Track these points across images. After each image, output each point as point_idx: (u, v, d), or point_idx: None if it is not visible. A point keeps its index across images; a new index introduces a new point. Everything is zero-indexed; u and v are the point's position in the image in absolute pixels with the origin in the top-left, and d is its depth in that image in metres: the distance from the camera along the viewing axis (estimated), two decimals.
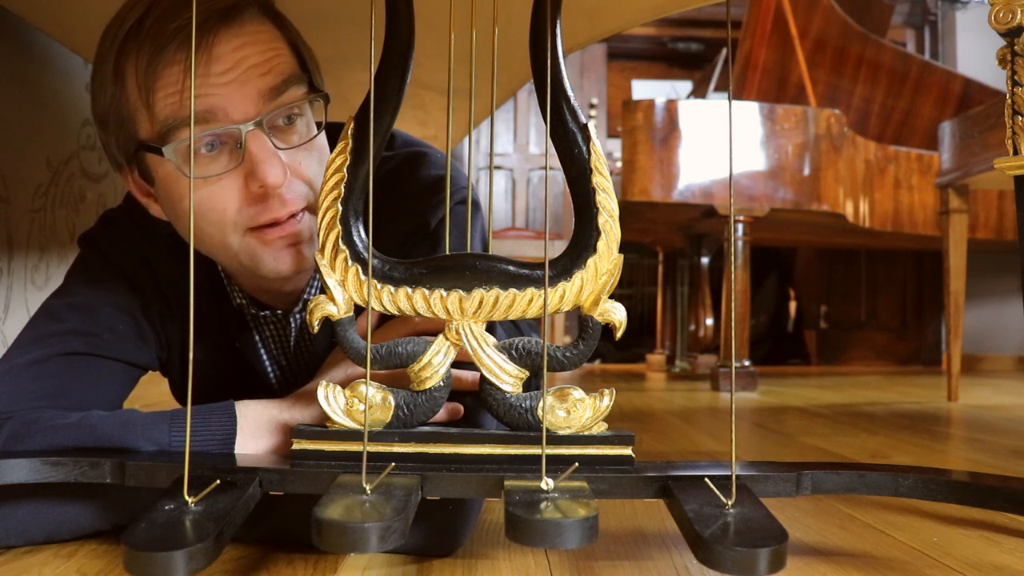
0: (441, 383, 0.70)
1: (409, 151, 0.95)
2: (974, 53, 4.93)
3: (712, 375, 3.19)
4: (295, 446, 0.69)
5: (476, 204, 0.91)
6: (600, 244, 0.68)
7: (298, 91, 0.82)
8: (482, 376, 0.69)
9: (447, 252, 0.71)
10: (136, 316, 0.91)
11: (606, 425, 0.70)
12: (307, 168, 0.82)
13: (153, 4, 0.78)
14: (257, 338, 0.97)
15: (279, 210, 0.80)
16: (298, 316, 0.95)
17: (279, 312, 0.95)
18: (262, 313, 0.95)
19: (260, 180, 0.77)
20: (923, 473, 0.81)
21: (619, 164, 3.43)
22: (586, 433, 0.69)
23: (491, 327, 0.73)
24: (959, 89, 4.19)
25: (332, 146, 0.71)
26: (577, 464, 0.65)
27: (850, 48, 3.99)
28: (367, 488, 0.59)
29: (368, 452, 0.63)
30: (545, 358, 0.68)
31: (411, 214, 0.90)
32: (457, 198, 0.89)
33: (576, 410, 0.69)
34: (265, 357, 0.98)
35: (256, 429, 0.76)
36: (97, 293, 0.90)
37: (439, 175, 0.92)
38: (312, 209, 0.83)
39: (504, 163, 5.37)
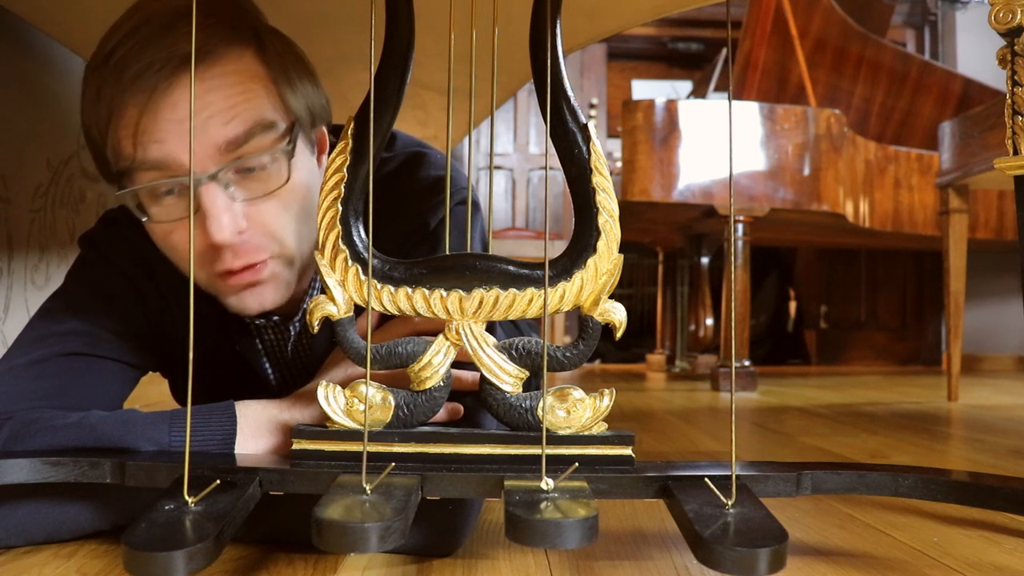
0: (441, 383, 0.70)
1: (409, 151, 0.95)
2: (974, 53, 4.93)
3: (712, 375, 3.19)
4: (295, 446, 0.69)
5: (476, 204, 0.91)
6: (600, 244, 0.68)
7: (265, 138, 0.78)
8: (482, 376, 0.69)
9: (447, 252, 0.71)
10: (136, 317, 0.91)
11: (606, 425, 0.70)
12: (272, 218, 0.79)
13: (122, 40, 0.76)
14: (258, 342, 0.97)
15: (232, 262, 0.78)
16: (297, 323, 0.95)
17: (276, 319, 0.95)
18: (258, 321, 0.94)
19: (209, 235, 0.76)
20: (923, 473, 0.81)
21: (619, 164, 3.43)
22: (586, 433, 0.69)
23: (491, 327, 0.73)
24: (959, 89, 4.19)
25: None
26: (577, 464, 0.65)
27: (850, 48, 3.99)
28: (367, 488, 0.59)
29: (368, 452, 0.63)
30: (545, 358, 0.68)
31: (411, 214, 0.90)
32: (457, 198, 0.89)
33: (576, 410, 0.69)
34: (266, 361, 0.98)
35: (256, 429, 0.76)
36: (97, 294, 0.90)
37: (439, 175, 0.92)
38: (280, 257, 0.81)
39: (504, 163, 5.37)
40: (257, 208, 0.79)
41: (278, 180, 0.79)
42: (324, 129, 0.89)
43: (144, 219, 0.80)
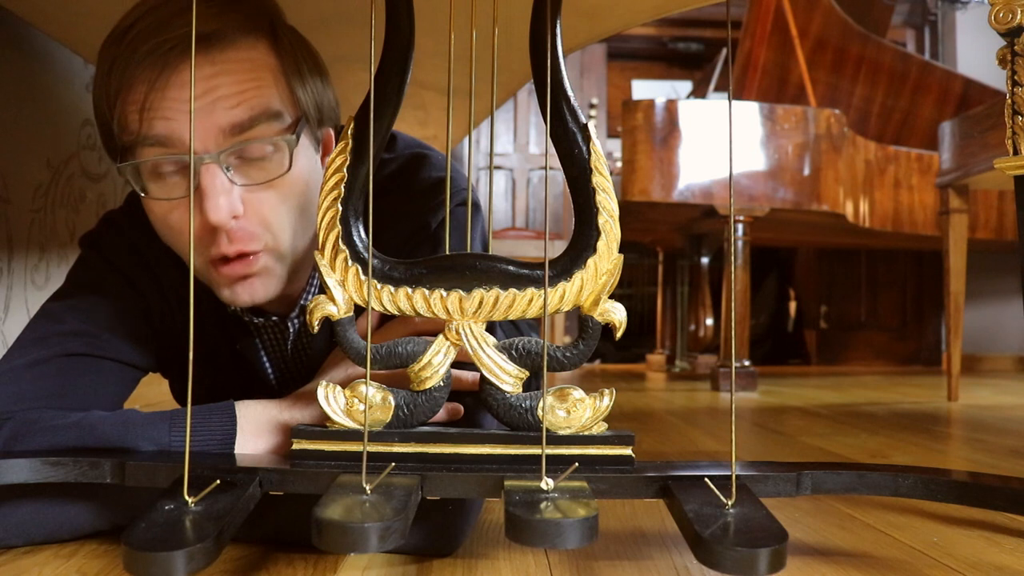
0: (441, 383, 0.70)
1: (410, 153, 0.95)
2: (974, 53, 4.93)
3: (712, 375, 3.19)
4: (295, 446, 0.69)
5: (476, 205, 0.91)
6: (600, 244, 0.68)
7: (270, 128, 0.79)
8: (482, 376, 0.69)
9: (447, 252, 0.71)
10: (136, 317, 0.91)
11: (606, 425, 0.70)
12: (268, 208, 0.80)
13: (142, 16, 0.77)
14: (257, 342, 0.97)
15: (226, 247, 0.79)
16: (295, 321, 0.95)
17: (274, 318, 0.95)
18: (257, 320, 0.95)
19: (204, 215, 0.77)
20: (923, 473, 0.81)
21: (619, 164, 3.43)
22: (586, 433, 0.69)
23: (491, 327, 0.73)
24: (959, 89, 4.19)
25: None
26: (577, 464, 0.65)
27: (850, 48, 3.99)
28: (367, 488, 0.59)
29: (368, 452, 0.63)
30: (545, 358, 0.68)
31: (412, 215, 0.90)
32: (458, 199, 0.89)
33: (576, 410, 0.69)
34: (266, 360, 0.98)
35: (256, 429, 0.76)
36: (97, 294, 0.90)
37: (440, 176, 0.92)
38: (272, 251, 0.81)
39: (504, 163, 5.37)
40: (255, 196, 0.79)
41: (278, 169, 0.80)
42: (331, 131, 0.89)
43: (143, 195, 0.80)
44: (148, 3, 0.78)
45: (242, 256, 0.80)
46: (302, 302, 0.92)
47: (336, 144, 0.70)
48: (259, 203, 0.80)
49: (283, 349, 0.97)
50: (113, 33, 0.79)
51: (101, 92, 0.80)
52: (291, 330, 0.96)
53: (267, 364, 0.98)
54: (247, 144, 0.78)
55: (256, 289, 0.82)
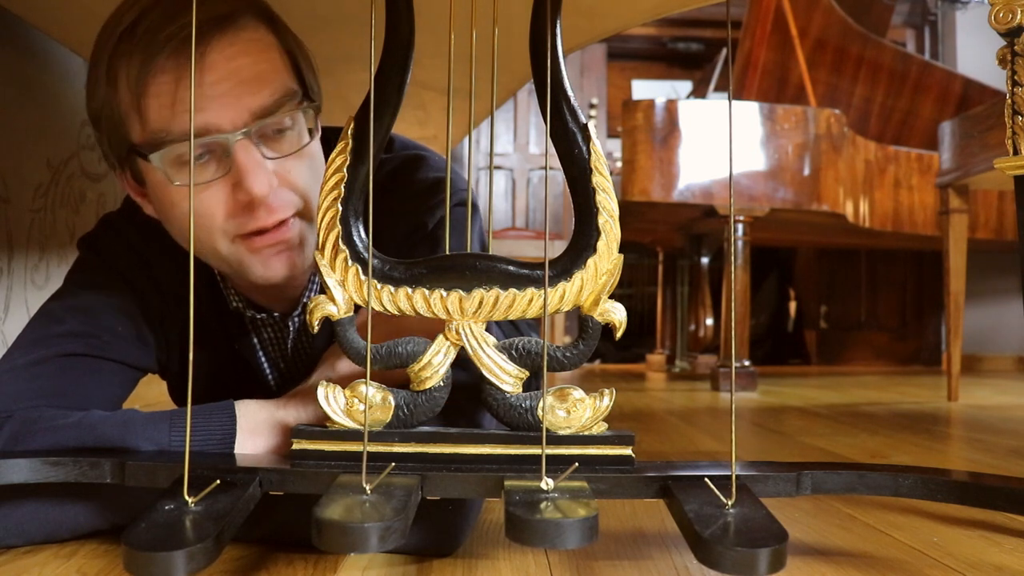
0: (441, 383, 0.70)
1: (408, 154, 0.96)
2: (974, 53, 4.93)
3: (712, 375, 3.19)
4: (295, 446, 0.69)
5: (475, 206, 0.91)
6: (600, 244, 0.68)
7: (290, 103, 0.81)
8: (482, 376, 0.69)
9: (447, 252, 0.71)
10: (135, 318, 0.91)
11: (606, 425, 0.70)
12: (297, 176, 0.82)
13: (148, 7, 0.78)
14: (255, 341, 0.97)
15: (266, 219, 0.80)
16: (296, 319, 0.95)
17: (276, 315, 0.95)
18: (259, 316, 0.95)
19: (246, 191, 0.78)
20: (923, 473, 0.81)
21: (619, 164, 3.43)
22: (586, 433, 0.69)
23: (490, 327, 0.73)
24: (959, 89, 4.19)
25: (331, 151, 0.70)
26: (577, 464, 0.65)
27: (850, 48, 3.99)
28: (367, 488, 0.59)
29: (368, 452, 0.63)
30: (545, 358, 0.68)
31: (410, 215, 0.90)
32: (455, 200, 0.89)
33: (576, 410, 0.69)
34: (264, 359, 0.98)
35: (256, 429, 0.76)
36: (97, 295, 0.90)
37: (438, 177, 0.92)
38: (304, 215, 0.83)
39: (504, 163, 5.37)
40: (284, 167, 0.81)
41: (301, 139, 0.83)
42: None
43: (176, 183, 0.80)
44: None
45: (280, 224, 0.81)
46: (304, 299, 0.92)
47: (336, 144, 0.70)
48: (287, 172, 0.82)
49: (283, 348, 0.98)
50: (115, 31, 0.79)
51: (110, 91, 0.79)
52: (291, 328, 0.96)
53: (264, 363, 0.98)
54: (275, 120, 0.79)
55: (294, 260, 0.84)
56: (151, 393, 1.39)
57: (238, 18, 0.79)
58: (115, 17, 0.80)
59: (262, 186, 0.78)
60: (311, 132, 0.84)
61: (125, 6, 0.80)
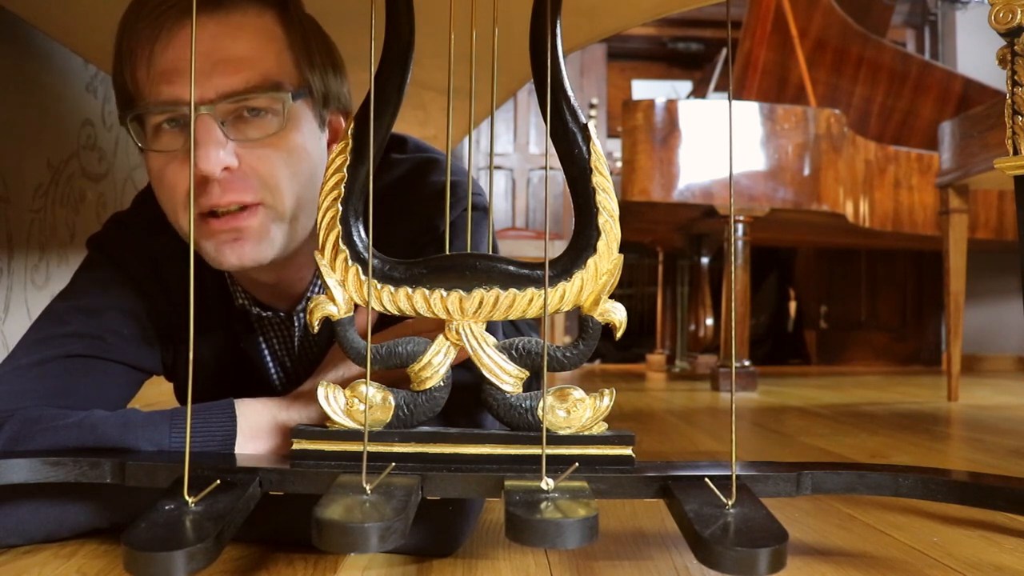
0: (441, 383, 0.70)
1: (420, 156, 0.96)
2: (974, 53, 4.93)
3: (712, 375, 3.19)
4: (295, 446, 0.69)
5: (485, 211, 0.91)
6: (600, 244, 0.68)
7: (268, 95, 0.80)
8: (482, 376, 0.69)
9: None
10: (142, 320, 0.91)
11: (606, 425, 0.70)
12: (265, 165, 0.81)
13: None
14: (261, 339, 0.97)
15: (218, 197, 0.79)
16: (302, 315, 0.95)
17: (281, 313, 0.95)
18: (264, 314, 0.95)
19: (196, 165, 0.77)
20: (923, 473, 0.81)
21: (619, 164, 3.43)
22: (586, 433, 0.69)
23: (491, 327, 0.73)
24: (959, 89, 4.19)
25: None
26: (577, 464, 0.65)
27: (850, 48, 3.99)
28: (367, 488, 0.59)
29: (368, 452, 0.63)
30: (545, 358, 0.68)
31: (420, 217, 0.90)
32: (465, 204, 0.89)
33: (576, 410, 0.69)
34: (269, 358, 0.98)
35: (256, 428, 0.76)
36: (103, 296, 0.90)
37: (453, 180, 0.92)
38: (271, 207, 0.82)
39: (504, 163, 5.37)
40: (253, 153, 0.80)
41: (272, 127, 0.81)
42: (340, 119, 0.91)
43: (141, 149, 0.82)
44: None
45: (241, 210, 0.80)
46: (309, 294, 0.93)
47: (336, 144, 0.70)
48: (256, 159, 0.80)
49: (289, 347, 0.98)
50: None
51: (116, 55, 0.82)
52: (297, 326, 0.96)
53: (270, 362, 0.98)
54: (242, 101, 0.79)
55: (245, 251, 0.82)
56: (151, 393, 1.39)
57: (239, 1, 0.80)
58: None
59: (209, 162, 0.76)
60: (291, 123, 0.82)
61: None
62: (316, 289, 0.93)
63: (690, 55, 5.92)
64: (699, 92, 4.91)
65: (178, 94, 0.77)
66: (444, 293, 0.69)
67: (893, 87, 4.16)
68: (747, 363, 3.10)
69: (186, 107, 0.77)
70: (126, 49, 0.80)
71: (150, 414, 0.77)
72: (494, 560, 0.78)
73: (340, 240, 0.69)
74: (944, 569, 0.77)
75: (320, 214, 0.69)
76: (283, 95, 0.81)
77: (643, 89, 5.87)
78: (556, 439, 0.69)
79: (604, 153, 0.70)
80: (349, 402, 0.69)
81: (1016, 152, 0.86)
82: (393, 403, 0.69)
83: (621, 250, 0.69)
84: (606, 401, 0.69)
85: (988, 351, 4.76)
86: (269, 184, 0.81)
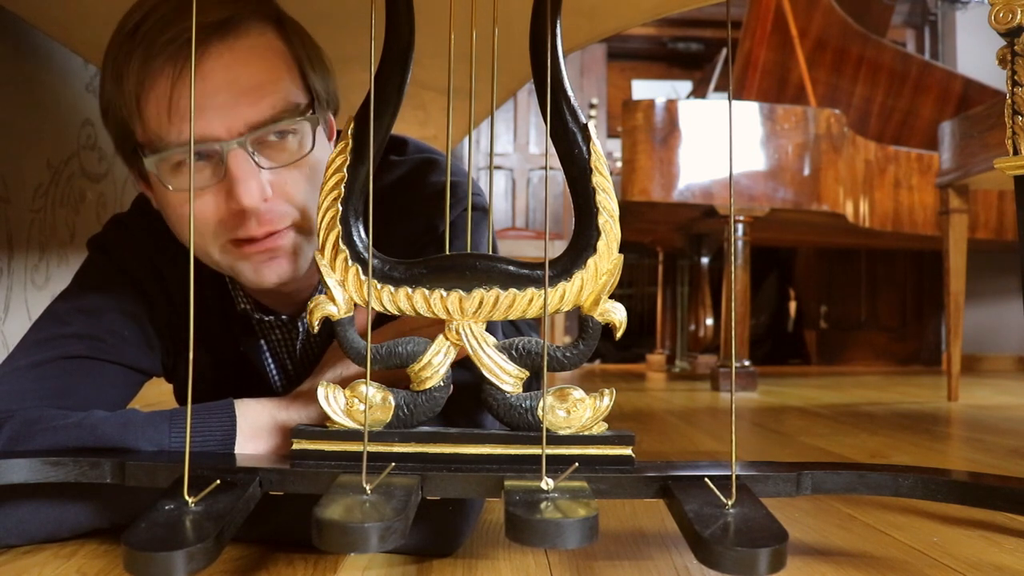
0: (441, 383, 0.70)
1: (421, 157, 0.96)
2: (974, 53, 4.93)
3: (712, 375, 3.19)
4: (295, 446, 0.69)
5: (486, 211, 0.91)
6: (600, 244, 0.68)
7: (291, 115, 0.80)
8: (482, 376, 0.69)
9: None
10: (142, 321, 0.91)
11: (606, 425, 0.70)
12: (294, 187, 0.81)
13: (152, 8, 0.77)
14: (262, 343, 0.97)
15: (255, 229, 0.79)
16: (306, 321, 0.95)
17: (284, 317, 0.95)
18: (267, 318, 0.95)
19: (236, 200, 0.77)
20: (923, 473, 0.81)
21: (619, 164, 3.43)
22: (586, 433, 0.69)
23: (491, 327, 0.73)
24: (959, 89, 4.19)
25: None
26: (577, 464, 0.65)
27: (850, 48, 3.99)
28: (367, 488, 0.59)
29: (368, 452, 0.63)
30: (545, 358, 0.68)
31: (420, 218, 0.90)
32: (468, 203, 0.89)
33: (576, 410, 0.69)
34: (270, 362, 0.98)
35: (256, 429, 0.76)
36: (104, 297, 0.90)
37: (453, 180, 0.92)
38: (299, 227, 0.82)
39: (504, 163, 5.37)
40: (280, 177, 0.80)
41: (301, 150, 0.81)
42: (332, 116, 0.91)
43: (168, 188, 0.80)
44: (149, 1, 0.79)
45: (270, 234, 0.80)
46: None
47: (336, 144, 0.70)
48: (284, 183, 0.80)
49: (291, 350, 0.98)
50: (122, 30, 0.79)
51: (116, 90, 0.79)
52: (300, 330, 0.96)
53: (271, 365, 0.98)
54: (271, 127, 0.78)
55: (283, 267, 0.83)
56: (151, 393, 1.39)
57: (240, 23, 0.78)
58: (126, 16, 0.80)
59: (252, 197, 0.77)
60: (316, 141, 0.82)
61: (136, 5, 0.80)
62: (320, 294, 0.93)
63: (690, 55, 5.92)
64: (699, 92, 4.91)
65: (205, 130, 0.76)
66: (444, 293, 0.69)
67: (893, 87, 4.16)
68: (747, 363, 3.10)
69: (217, 143, 0.77)
70: (130, 88, 0.77)
71: (150, 414, 0.77)
72: (494, 560, 0.78)
73: (340, 240, 0.69)
74: (944, 569, 0.77)
75: (320, 214, 0.69)
76: (311, 117, 0.81)
77: (643, 89, 5.87)
78: (556, 439, 0.69)
79: (604, 153, 0.70)
80: (349, 402, 0.69)
81: (1016, 152, 0.86)
82: (393, 403, 0.69)
83: (621, 250, 0.69)
84: (606, 401, 0.69)
85: (988, 351, 4.76)
86: (298, 206, 0.82)
